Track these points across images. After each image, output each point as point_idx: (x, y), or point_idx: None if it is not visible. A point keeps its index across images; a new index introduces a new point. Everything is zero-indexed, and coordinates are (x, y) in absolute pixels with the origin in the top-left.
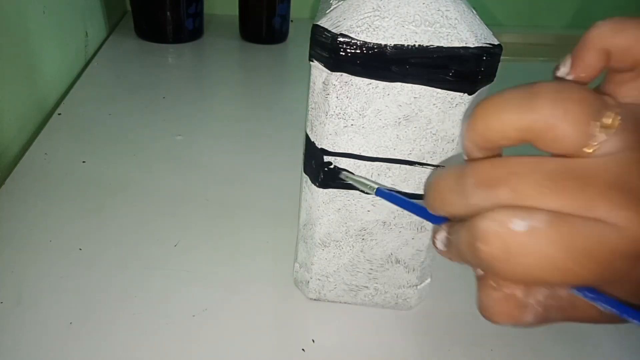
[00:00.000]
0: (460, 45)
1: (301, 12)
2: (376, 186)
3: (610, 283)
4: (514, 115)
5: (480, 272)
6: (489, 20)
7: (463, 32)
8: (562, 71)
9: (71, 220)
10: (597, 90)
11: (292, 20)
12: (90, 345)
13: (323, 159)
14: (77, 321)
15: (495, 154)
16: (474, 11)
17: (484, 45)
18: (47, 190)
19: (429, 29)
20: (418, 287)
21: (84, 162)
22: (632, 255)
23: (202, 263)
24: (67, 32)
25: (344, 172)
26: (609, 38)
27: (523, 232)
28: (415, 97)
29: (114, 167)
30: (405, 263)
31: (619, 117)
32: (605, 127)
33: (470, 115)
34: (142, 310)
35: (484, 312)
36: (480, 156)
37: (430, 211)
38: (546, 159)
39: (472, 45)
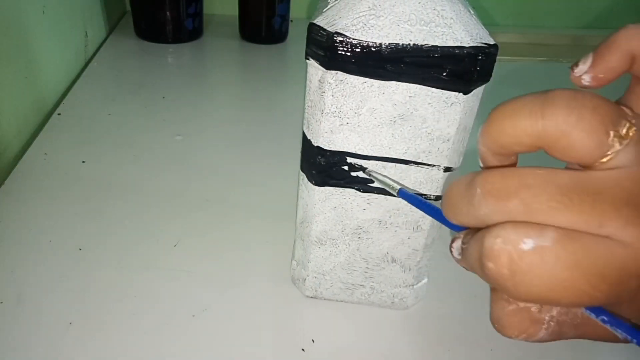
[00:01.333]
0: (455, 45)
1: (301, 12)
2: (399, 187)
3: (620, 303)
4: (527, 121)
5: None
6: (489, 20)
7: (458, 31)
8: (581, 68)
9: (71, 220)
10: (618, 101)
11: (291, 20)
12: (90, 345)
13: (317, 157)
14: (77, 321)
15: (510, 161)
16: (471, 11)
17: (479, 44)
18: (47, 191)
19: (424, 28)
20: (414, 286)
21: (83, 162)
22: None
23: (202, 263)
24: (67, 32)
25: (369, 170)
26: (637, 41)
27: (531, 251)
28: (410, 96)
29: (114, 167)
30: (401, 262)
31: (634, 128)
32: (619, 137)
33: (486, 120)
34: (141, 311)
35: (497, 324)
36: (495, 162)
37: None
38: (559, 172)
39: (467, 45)
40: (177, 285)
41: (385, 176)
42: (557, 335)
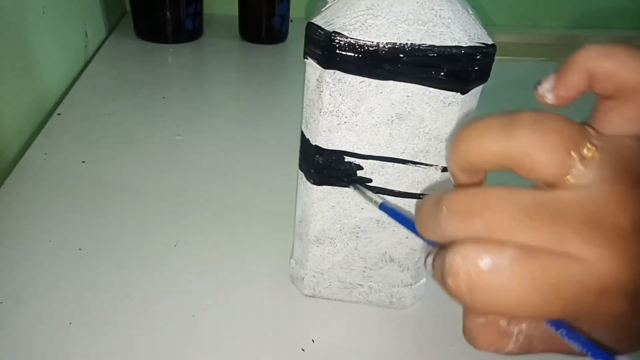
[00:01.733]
0: (453, 45)
1: (301, 12)
2: (380, 201)
3: (578, 318)
4: (492, 142)
5: None
6: (488, 20)
7: (456, 31)
8: (544, 87)
9: (71, 220)
10: (585, 121)
11: (291, 20)
12: (90, 345)
13: (315, 156)
14: (77, 321)
15: (479, 177)
16: (470, 11)
17: (477, 44)
18: (47, 191)
19: (422, 27)
20: (412, 286)
21: (83, 162)
22: (598, 290)
23: (202, 263)
24: (67, 32)
25: (355, 185)
26: (595, 61)
27: (487, 269)
28: (408, 96)
29: (114, 168)
30: (399, 262)
31: (598, 150)
32: (582, 158)
33: (454, 137)
34: (141, 311)
35: (468, 337)
36: (464, 178)
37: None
38: (522, 191)
39: (464, 45)
40: (177, 285)
41: (368, 191)
42: (527, 349)
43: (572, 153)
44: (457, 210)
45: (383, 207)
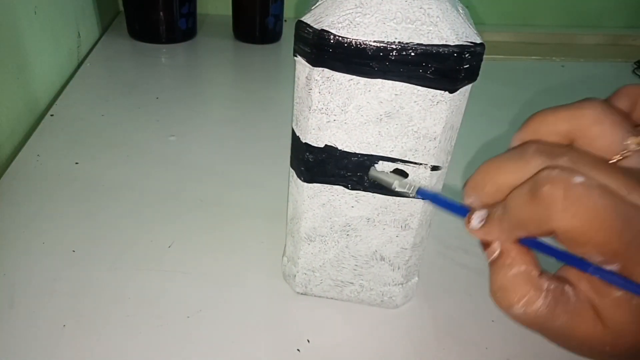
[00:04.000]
0: (440, 43)
1: (294, 11)
2: (417, 186)
3: (635, 264)
4: (565, 113)
5: (494, 255)
6: (482, 19)
7: (444, 30)
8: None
9: (64, 222)
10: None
11: (285, 20)
12: (84, 347)
13: (305, 153)
14: (71, 323)
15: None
16: (460, 10)
17: (465, 43)
18: (40, 192)
19: (410, 26)
20: (404, 285)
21: (76, 163)
22: None
23: (197, 264)
24: (59, 32)
25: (373, 170)
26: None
27: (581, 183)
28: (396, 94)
29: (107, 168)
30: (390, 261)
31: None
32: (637, 143)
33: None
34: (136, 312)
35: (499, 292)
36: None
37: (472, 190)
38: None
39: (452, 44)
40: (171, 286)
41: (399, 178)
42: (551, 313)
43: (629, 135)
44: (545, 150)
45: (421, 193)
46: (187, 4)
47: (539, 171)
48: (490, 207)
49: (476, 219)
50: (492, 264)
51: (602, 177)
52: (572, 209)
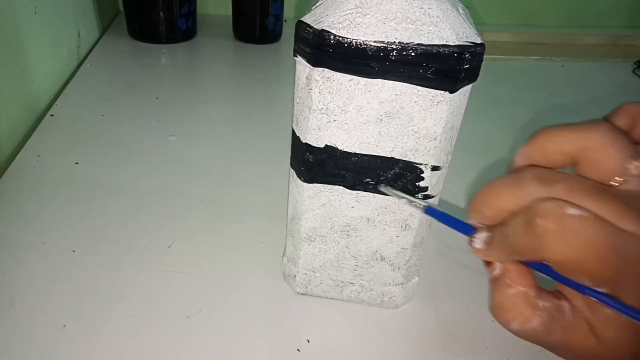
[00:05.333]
0: (441, 43)
1: (294, 11)
2: (424, 204)
3: (622, 286)
4: (573, 135)
5: (497, 272)
6: (482, 19)
7: (444, 30)
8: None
9: (64, 222)
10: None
11: (285, 20)
12: (84, 347)
13: (305, 153)
14: (71, 323)
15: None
16: (460, 10)
17: (465, 43)
18: (40, 192)
19: (410, 26)
20: (404, 285)
21: (76, 163)
22: None
23: (197, 264)
24: (59, 32)
25: (384, 186)
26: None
27: (576, 215)
28: (396, 94)
29: (107, 169)
30: (390, 261)
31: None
32: (636, 167)
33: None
34: (136, 312)
35: (498, 309)
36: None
37: (473, 213)
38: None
39: (452, 44)
40: (171, 286)
41: (405, 195)
42: (547, 330)
43: (631, 160)
44: (542, 176)
45: (430, 211)
46: (187, 4)
47: (535, 200)
48: (491, 228)
49: (478, 240)
50: (493, 281)
51: (596, 205)
52: (564, 242)
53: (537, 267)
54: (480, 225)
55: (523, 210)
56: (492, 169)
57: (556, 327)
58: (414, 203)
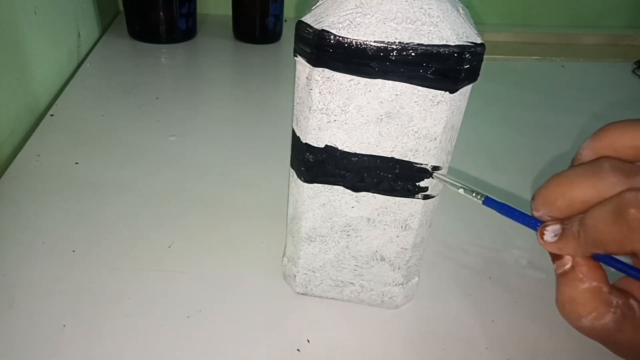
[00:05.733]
0: (441, 43)
1: (294, 11)
2: (482, 197)
3: None
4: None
5: (565, 268)
6: (482, 20)
7: (444, 30)
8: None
9: (64, 222)
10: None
11: (285, 20)
12: (84, 347)
13: (305, 153)
14: (71, 324)
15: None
16: (460, 10)
17: (465, 43)
18: (40, 192)
19: (410, 26)
20: (404, 285)
21: (76, 163)
22: None
23: (197, 264)
24: (59, 32)
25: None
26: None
27: None
28: (396, 94)
29: (107, 169)
30: (390, 261)
31: None
32: None
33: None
34: (136, 312)
35: (568, 304)
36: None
37: (541, 205)
38: None
39: (452, 44)
40: (171, 286)
41: (462, 184)
42: (619, 327)
43: None
44: (622, 168)
45: (489, 202)
46: (187, 4)
47: (623, 192)
48: (561, 221)
49: (550, 233)
50: (562, 276)
51: None
52: None
53: (614, 263)
54: (548, 217)
55: (607, 201)
56: (493, 169)
57: (627, 325)
58: (472, 193)
